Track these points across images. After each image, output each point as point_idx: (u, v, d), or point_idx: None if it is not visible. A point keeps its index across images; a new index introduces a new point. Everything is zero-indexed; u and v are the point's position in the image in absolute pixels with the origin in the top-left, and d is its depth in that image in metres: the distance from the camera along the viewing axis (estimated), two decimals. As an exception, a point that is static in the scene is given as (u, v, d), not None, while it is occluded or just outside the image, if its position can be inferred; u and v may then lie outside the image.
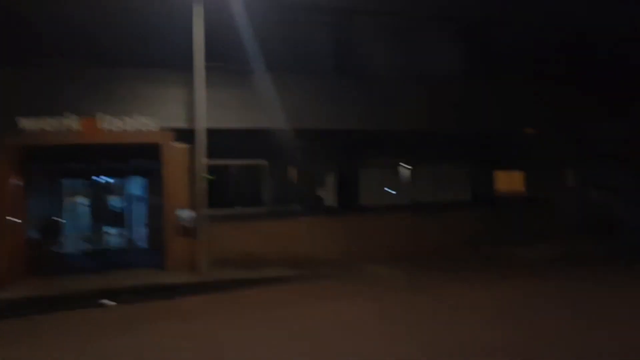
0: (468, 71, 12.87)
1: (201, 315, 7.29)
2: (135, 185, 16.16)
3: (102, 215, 16.01)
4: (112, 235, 16.36)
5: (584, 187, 14.16)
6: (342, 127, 11.76)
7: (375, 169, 12.91)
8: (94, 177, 15.57)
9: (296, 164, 12.00)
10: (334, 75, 12.03)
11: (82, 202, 16.28)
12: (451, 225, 12.46)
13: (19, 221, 10.07)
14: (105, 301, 8.36)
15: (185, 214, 10.56)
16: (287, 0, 11.03)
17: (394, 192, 13.04)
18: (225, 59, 10.84)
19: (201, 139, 10.33)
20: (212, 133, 10.53)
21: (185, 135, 10.58)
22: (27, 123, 9.62)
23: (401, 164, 13.16)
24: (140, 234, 15.48)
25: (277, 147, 11.50)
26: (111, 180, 16.61)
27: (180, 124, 10.61)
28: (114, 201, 17.15)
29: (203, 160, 10.31)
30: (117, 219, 16.67)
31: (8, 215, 9.64)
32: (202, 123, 10.35)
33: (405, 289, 8.62)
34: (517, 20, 13.17)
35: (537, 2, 12.87)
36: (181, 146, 10.67)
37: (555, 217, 13.39)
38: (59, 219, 14.72)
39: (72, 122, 9.93)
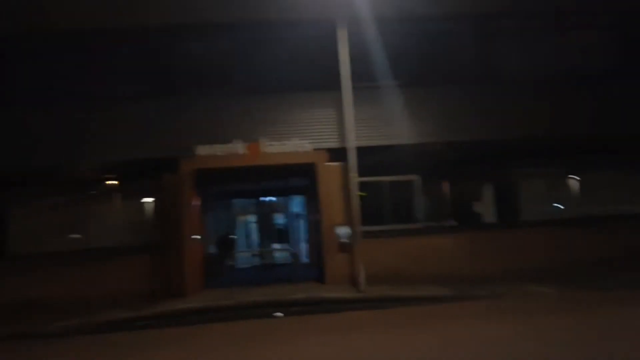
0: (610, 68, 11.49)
1: (361, 328, 7.38)
2: (296, 204, 17.14)
3: (268, 232, 17.16)
4: (278, 251, 17.47)
5: None
6: (492, 137, 11.15)
7: (537, 181, 11.92)
8: (259, 197, 16.87)
9: (449, 179, 11.64)
10: (479, 84, 11.50)
11: (250, 220, 17.72)
12: (617, 239, 11.06)
13: (199, 238, 11.37)
14: (277, 313, 8.96)
15: (342, 230, 10.89)
16: (422, 13, 10.88)
17: (559, 206, 11.88)
18: (369, 77, 11.04)
19: (352, 157, 10.60)
20: (364, 150, 10.76)
21: (339, 154, 10.98)
22: (201, 150, 10.87)
23: (567, 173, 11.98)
24: (302, 249, 16.33)
25: (428, 162, 11.31)
26: (275, 199, 17.81)
27: (332, 143, 11.06)
28: (278, 219, 18.32)
29: (355, 178, 10.56)
30: (282, 235, 17.78)
31: (191, 234, 10.95)
32: (352, 142, 10.63)
33: (565, 309, 7.83)
34: None
35: None
36: (334, 165, 11.08)
37: None
38: (232, 236, 16.22)
39: (238, 147, 10.97)
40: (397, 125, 11.00)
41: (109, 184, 11.41)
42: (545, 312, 7.74)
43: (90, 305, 9.96)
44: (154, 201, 11.16)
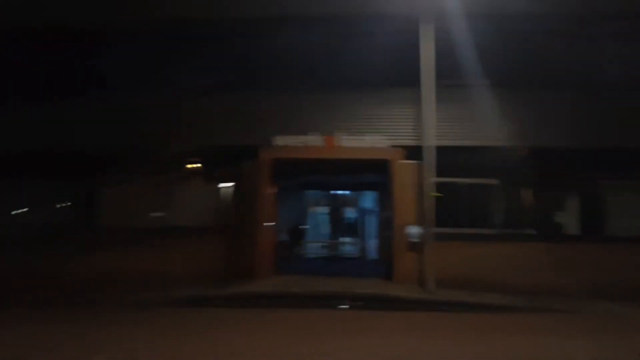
0: None
1: (419, 331, 7.30)
2: (368, 199, 17.13)
3: (338, 225, 17.31)
4: (346, 244, 17.58)
5: None
6: (584, 145, 10.60)
7: (627, 194, 11.07)
8: (332, 190, 17.05)
9: (532, 185, 11.12)
10: (575, 88, 10.86)
11: (321, 212, 17.94)
12: None
13: (272, 224, 11.68)
14: (342, 305, 9.11)
15: (413, 229, 10.76)
16: (515, 10, 10.36)
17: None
18: (453, 75, 10.76)
19: (429, 156, 10.42)
20: (442, 150, 10.54)
21: (416, 152, 10.83)
22: (280, 140, 11.17)
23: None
24: (371, 245, 16.33)
25: (510, 166, 10.88)
26: (347, 193, 17.89)
27: (409, 141, 10.94)
28: (349, 213, 18.40)
29: (431, 178, 10.37)
30: (351, 229, 17.86)
31: (266, 220, 11.28)
32: (430, 140, 10.44)
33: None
34: None
35: None
36: (409, 163, 10.94)
37: None
38: (303, 226, 16.52)
39: (315, 140, 11.14)
40: (480, 126, 10.69)
41: (192, 168, 11.99)
42: (626, 332, 7.26)
43: (165, 281, 10.54)
44: (232, 186, 11.59)
